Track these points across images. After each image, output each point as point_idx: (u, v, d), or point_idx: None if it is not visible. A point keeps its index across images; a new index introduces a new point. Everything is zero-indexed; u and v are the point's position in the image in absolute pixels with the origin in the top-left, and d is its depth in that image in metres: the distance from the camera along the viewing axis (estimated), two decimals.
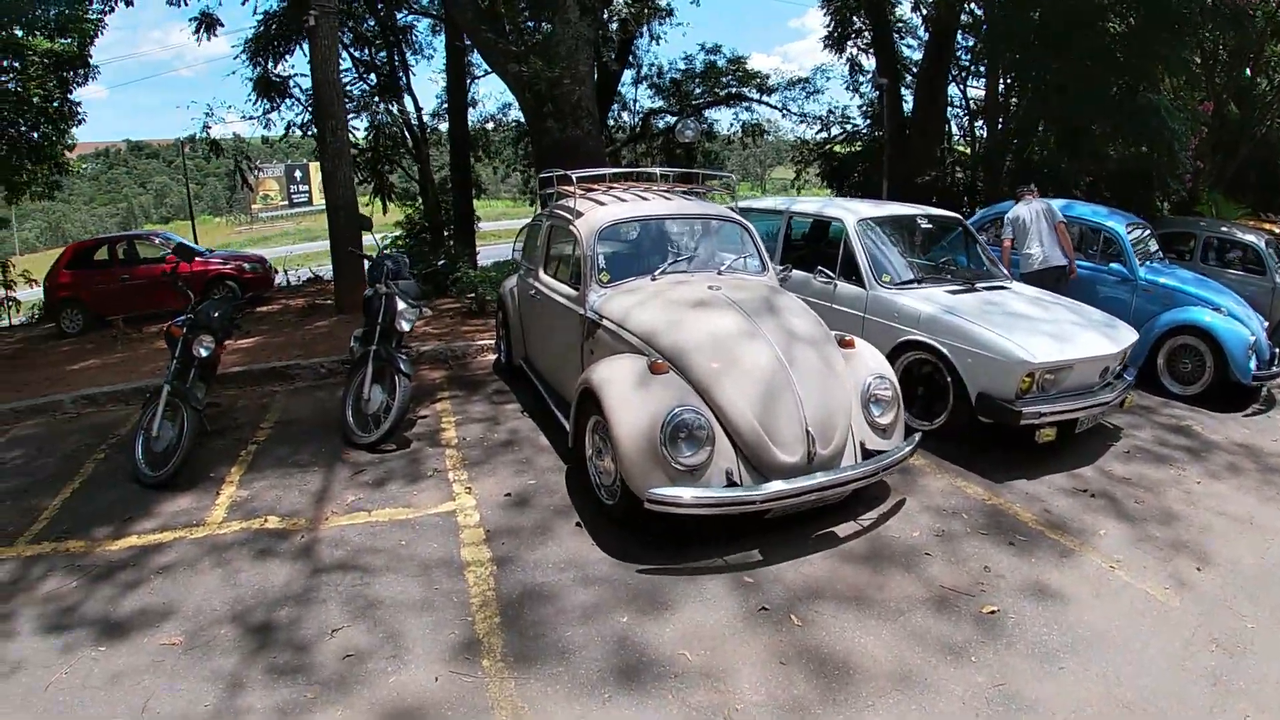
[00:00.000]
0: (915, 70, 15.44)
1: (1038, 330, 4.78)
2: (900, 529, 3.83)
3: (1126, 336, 5.09)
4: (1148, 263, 7.08)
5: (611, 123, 17.54)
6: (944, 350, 4.82)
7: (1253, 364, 6.20)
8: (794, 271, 5.79)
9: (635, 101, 18.85)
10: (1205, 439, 5.51)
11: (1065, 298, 5.70)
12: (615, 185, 5.67)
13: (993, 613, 3.16)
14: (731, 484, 3.38)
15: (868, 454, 3.74)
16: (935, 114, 13.50)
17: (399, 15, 14.73)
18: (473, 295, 9.16)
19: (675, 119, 18.72)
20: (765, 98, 17.73)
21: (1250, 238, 8.90)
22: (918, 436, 4.03)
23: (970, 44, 14.22)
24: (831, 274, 5.68)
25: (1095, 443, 5.11)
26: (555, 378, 5.13)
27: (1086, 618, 3.14)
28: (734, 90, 17.98)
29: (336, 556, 3.70)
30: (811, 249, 6.50)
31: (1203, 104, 11.37)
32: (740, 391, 3.49)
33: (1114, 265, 7.03)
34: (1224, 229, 9.42)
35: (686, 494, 3.26)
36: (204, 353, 4.94)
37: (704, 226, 5.09)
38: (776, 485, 3.34)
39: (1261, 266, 8.52)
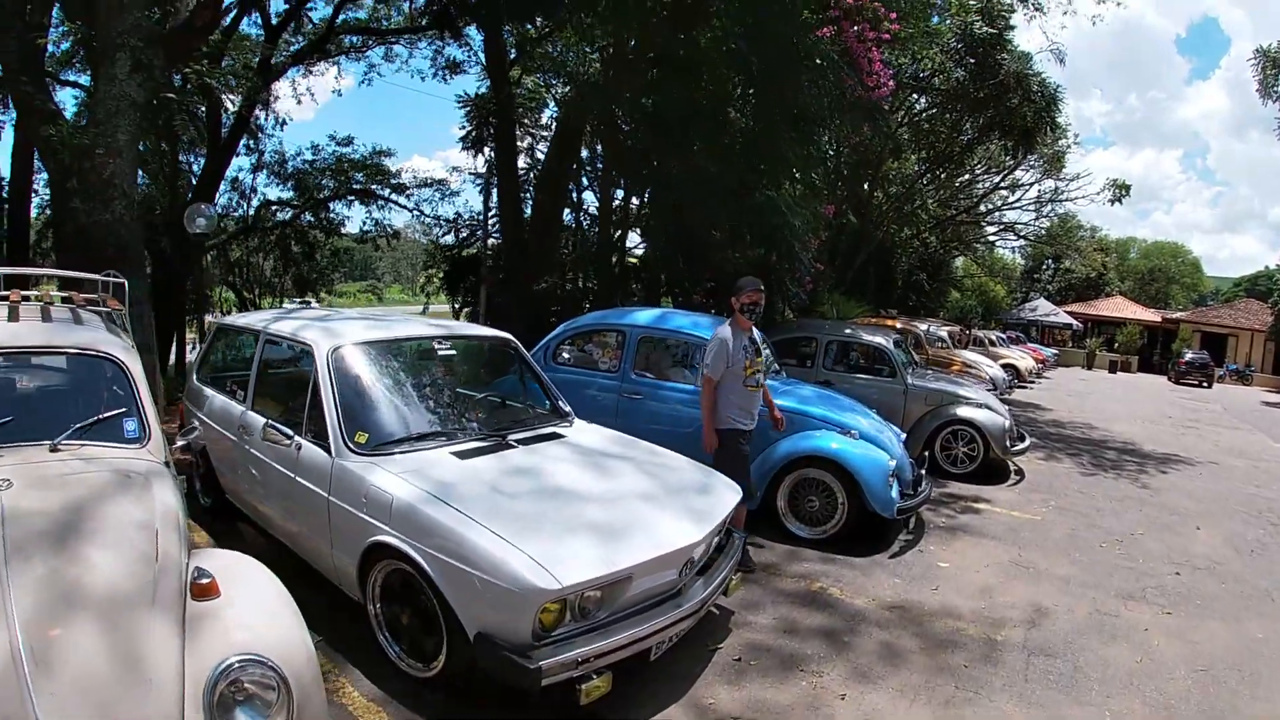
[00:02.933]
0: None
1: (579, 521, 2.92)
2: None
3: (723, 505, 3.42)
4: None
5: (224, 212, 15.29)
6: (422, 563, 2.77)
7: (895, 492, 5.02)
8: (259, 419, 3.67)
9: (253, 191, 16.45)
10: (847, 608, 4.17)
11: (645, 444, 3.95)
12: None
13: None
14: None
15: None
16: (556, 217, 12.34)
17: None
18: None
19: (297, 213, 16.26)
20: (396, 196, 15.78)
21: (877, 339, 8.36)
22: None
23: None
24: (288, 431, 3.36)
25: (688, 651, 3.38)
26: None
27: None
28: (363, 186, 15.90)
29: None
30: (288, 391, 4.11)
31: (825, 207, 11.47)
32: None
33: None
34: (847, 331, 8.87)
35: None
36: None
37: (39, 365, 3.00)
38: None
39: (891, 367, 8.06)
